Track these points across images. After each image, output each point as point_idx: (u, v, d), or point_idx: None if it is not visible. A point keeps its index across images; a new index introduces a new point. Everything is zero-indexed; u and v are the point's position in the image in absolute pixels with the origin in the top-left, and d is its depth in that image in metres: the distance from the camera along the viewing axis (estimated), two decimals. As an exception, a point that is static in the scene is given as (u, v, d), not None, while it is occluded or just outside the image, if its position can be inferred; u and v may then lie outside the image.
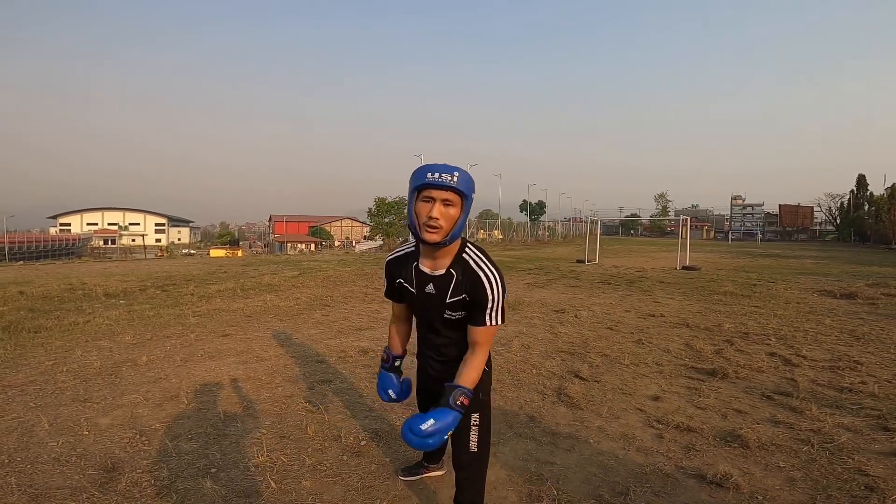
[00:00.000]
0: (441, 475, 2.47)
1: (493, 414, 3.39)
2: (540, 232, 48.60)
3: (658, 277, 11.99)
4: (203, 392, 3.65)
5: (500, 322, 1.67)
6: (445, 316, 1.74)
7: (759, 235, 61.69)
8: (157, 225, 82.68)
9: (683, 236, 17.57)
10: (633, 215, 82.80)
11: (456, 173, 1.53)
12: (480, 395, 1.83)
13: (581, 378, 4.09)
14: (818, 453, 2.76)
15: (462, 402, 1.60)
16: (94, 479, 2.43)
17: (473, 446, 1.86)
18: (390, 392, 2.04)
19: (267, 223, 75.82)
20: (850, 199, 55.24)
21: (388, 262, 1.88)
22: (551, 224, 55.84)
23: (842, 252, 29.78)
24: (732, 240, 59.18)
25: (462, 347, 1.78)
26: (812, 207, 71.14)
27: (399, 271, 1.82)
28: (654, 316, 7.01)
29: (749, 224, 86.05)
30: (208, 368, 4.23)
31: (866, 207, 48.78)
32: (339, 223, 71.67)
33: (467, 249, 1.70)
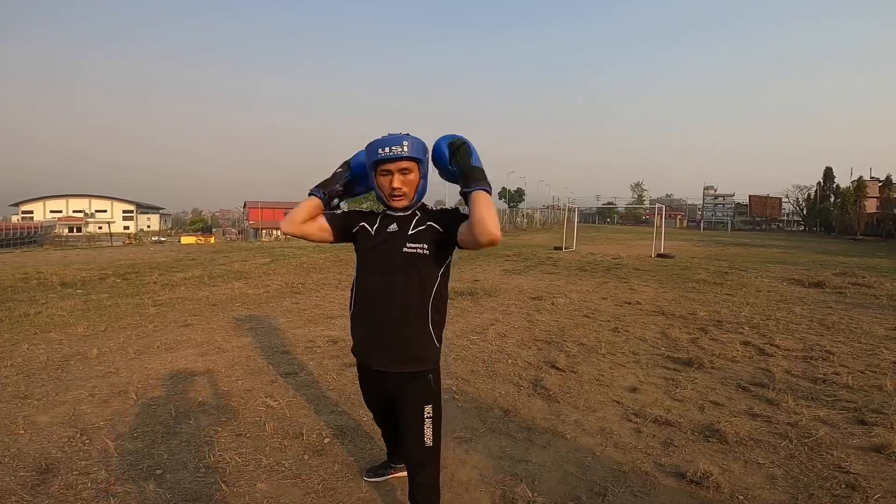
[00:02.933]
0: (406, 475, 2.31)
1: (466, 407, 3.29)
2: (518, 219, 48.74)
3: (634, 265, 12.05)
4: (155, 387, 3.40)
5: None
6: (406, 249, 1.66)
7: (730, 224, 63.27)
8: (125, 212, 79.78)
9: (658, 225, 17.76)
10: (609, 203, 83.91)
11: (405, 142, 1.59)
12: (432, 384, 1.73)
13: (558, 369, 3.97)
14: (797, 449, 2.69)
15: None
16: (24, 482, 2.22)
17: (429, 440, 1.73)
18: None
19: (242, 210, 74.01)
20: (816, 190, 56.99)
21: (355, 209, 1.88)
22: (530, 211, 56.10)
23: (808, 242, 30.75)
24: (705, 229, 60.56)
25: (415, 297, 1.66)
26: (780, 199, 73.22)
27: (364, 217, 1.81)
28: (630, 303, 6.98)
29: (720, 214, 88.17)
30: (163, 361, 3.96)
31: (832, 199, 50.38)
32: (315, 209, 70.16)
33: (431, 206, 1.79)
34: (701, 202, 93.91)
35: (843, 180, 51.20)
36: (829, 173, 55.83)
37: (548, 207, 64.38)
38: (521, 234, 31.82)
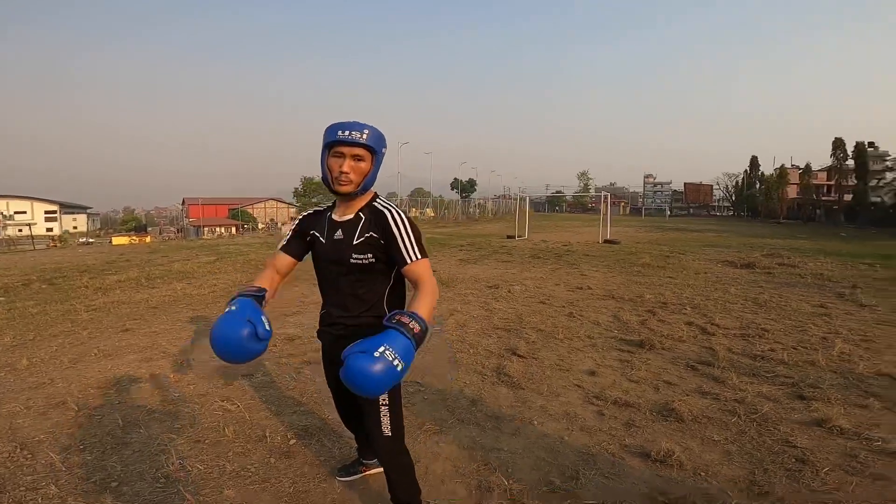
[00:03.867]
0: (381, 471, 2.28)
1: (432, 398, 3.28)
2: (471, 209, 49.16)
3: (583, 251, 12.48)
4: (96, 396, 3.16)
5: (419, 256, 1.63)
6: (352, 260, 1.67)
7: (668, 211, 66.81)
8: (47, 213, 73.17)
9: (604, 212, 18.45)
10: (558, 192, 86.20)
11: (366, 130, 1.60)
12: None
13: (519, 356, 4.04)
14: (746, 425, 2.85)
15: (401, 321, 1.34)
16: (-37, 506, 2.01)
17: (386, 429, 1.71)
18: (250, 321, 1.45)
19: (180, 207, 69.83)
20: (744, 178, 61.08)
21: (302, 217, 1.88)
22: (482, 201, 56.69)
23: (737, 226, 33.05)
24: (645, 215, 63.60)
25: (368, 305, 1.72)
26: (712, 186, 78.04)
27: (314, 224, 1.81)
28: (582, 289, 7.22)
29: (659, 201, 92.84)
30: (103, 369, 3.68)
31: (758, 186, 54.21)
32: (262, 205, 67.68)
33: (378, 199, 1.76)
34: (642, 190, 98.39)
35: (767, 168, 55.21)
36: (754, 162, 59.87)
37: (499, 197, 65.25)
38: (474, 224, 32.12)
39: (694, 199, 79.01)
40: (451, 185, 77.37)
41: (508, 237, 15.53)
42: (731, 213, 63.02)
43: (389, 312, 1.49)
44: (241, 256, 11.43)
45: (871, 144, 39.16)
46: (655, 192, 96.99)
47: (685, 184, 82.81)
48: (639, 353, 4.22)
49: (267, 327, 1.49)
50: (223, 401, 3.08)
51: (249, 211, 61.69)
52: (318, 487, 2.20)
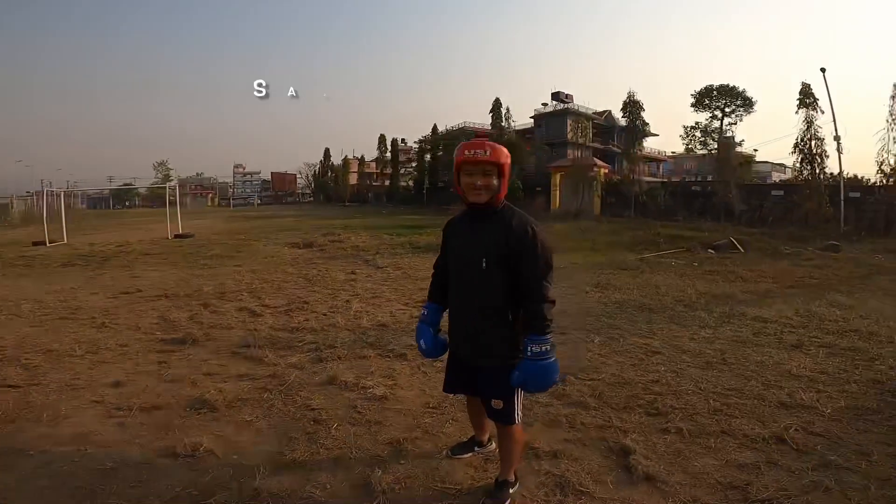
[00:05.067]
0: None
1: None
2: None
3: (144, 250, 10.92)
4: None
5: None
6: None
7: (257, 200, 68.22)
8: None
9: (178, 204, 16.81)
10: (127, 184, 72.72)
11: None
12: None
13: (12, 386, 3.17)
14: (275, 398, 3.02)
15: None
16: None
17: None
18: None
19: None
20: (320, 167, 68.97)
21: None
22: (4, 201, 40.98)
23: (314, 210, 37.24)
24: (235, 205, 62.73)
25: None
26: (296, 174, 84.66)
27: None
28: (129, 293, 6.25)
29: (249, 190, 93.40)
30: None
31: (330, 174, 62.38)
32: None
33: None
34: (232, 180, 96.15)
35: (336, 158, 64.06)
36: (327, 153, 68.39)
37: (33, 194, 49.00)
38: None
39: (281, 188, 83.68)
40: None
41: (36, 244, 11.81)
42: (312, 199, 70.24)
43: None
44: None
45: (402, 140, 51.55)
46: (245, 181, 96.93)
47: (272, 173, 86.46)
48: (181, 350, 3.97)
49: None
50: None
51: None
52: None
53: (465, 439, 2.41)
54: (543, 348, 1.79)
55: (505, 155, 1.87)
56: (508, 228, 1.85)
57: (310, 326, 4.57)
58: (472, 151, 1.84)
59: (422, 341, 2.13)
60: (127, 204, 66.88)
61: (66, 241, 12.63)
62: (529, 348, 1.80)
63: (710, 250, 10.11)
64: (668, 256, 9.55)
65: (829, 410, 2.81)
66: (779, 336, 4.26)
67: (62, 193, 16.67)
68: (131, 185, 57.13)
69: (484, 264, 1.86)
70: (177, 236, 13.60)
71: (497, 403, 1.93)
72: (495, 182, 1.87)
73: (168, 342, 4.19)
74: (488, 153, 1.83)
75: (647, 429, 2.63)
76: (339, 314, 5.03)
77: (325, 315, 5.04)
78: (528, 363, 1.80)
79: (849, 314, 5.04)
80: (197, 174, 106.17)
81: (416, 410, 2.87)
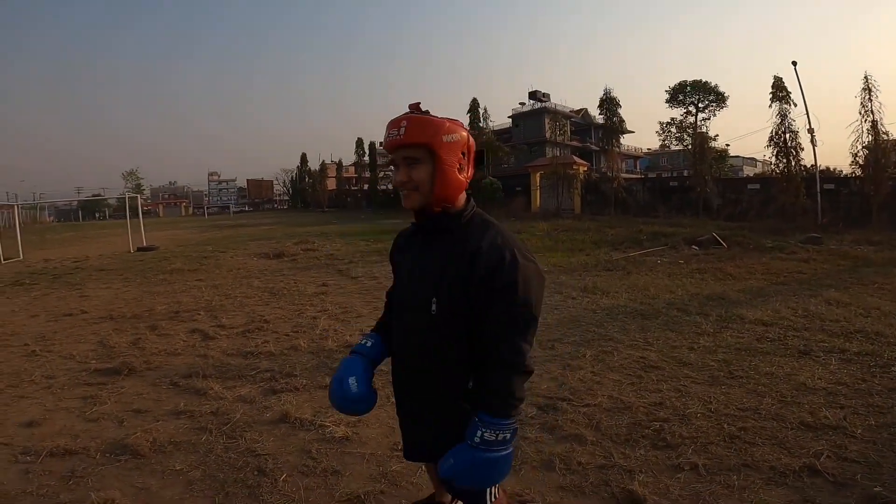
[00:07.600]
0: None
1: None
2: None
3: (100, 265, 10.19)
4: None
5: None
6: None
7: (232, 208, 66.61)
8: None
9: (131, 216, 15.89)
10: (96, 195, 70.27)
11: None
12: None
13: None
14: (216, 440, 2.56)
15: None
16: None
17: None
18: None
19: None
20: (297, 173, 67.75)
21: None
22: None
23: (291, 217, 36.32)
24: (210, 214, 61.13)
25: None
26: (272, 181, 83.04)
27: None
28: (72, 315, 5.65)
29: (225, 198, 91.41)
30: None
31: (307, 179, 61.23)
32: None
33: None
34: (207, 188, 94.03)
35: (314, 164, 62.95)
36: (304, 158, 67.23)
37: (-5, 206, 46.84)
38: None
39: (257, 195, 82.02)
40: None
41: (-14, 261, 10.98)
42: (289, 205, 68.92)
43: None
44: None
45: (380, 143, 50.96)
46: (221, 189, 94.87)
47: (248, 180, 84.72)
48: (114, 382, 3.47)
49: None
50: None
51: None
52: None
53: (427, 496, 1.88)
54: (500, 437, 1.16)
55: (434, 129, 1.19)
56: (476, 253, 1.20)
57: (267, 350, 4.05)
58: (387, 134, 1.24)
59: (350, 380, 1.35)
60: (97, 216, 64.57)
61: (21, 257, 11.78)
62: (480, 433, 1.16)
63: (693, 246, 9.86)
64: (653, 254, 9.26)
65: (859, 430, 2.45)
66: (783, 341, 3.91)
67: (15, 206, 15.61)
68: (99, 195, 55.06)
69: (434, 308, 1.22)
70: (139, 249, 12.83)
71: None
72: (424, 174, 1.21)
73: (101, 373, 3.67)
74: (402, 131, 1.20)
75: (655, 466, 2.22)
76: (302, 335, 4.50)
77: (287, 336, 4.52)
78: (470, 451, 1.17)
79: (849, 313, 4.75)
80: (170, 183, 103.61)
81: (381, 455, 2.40)
